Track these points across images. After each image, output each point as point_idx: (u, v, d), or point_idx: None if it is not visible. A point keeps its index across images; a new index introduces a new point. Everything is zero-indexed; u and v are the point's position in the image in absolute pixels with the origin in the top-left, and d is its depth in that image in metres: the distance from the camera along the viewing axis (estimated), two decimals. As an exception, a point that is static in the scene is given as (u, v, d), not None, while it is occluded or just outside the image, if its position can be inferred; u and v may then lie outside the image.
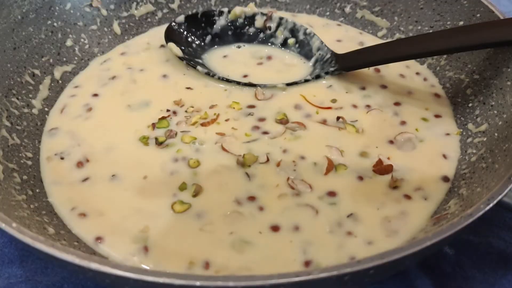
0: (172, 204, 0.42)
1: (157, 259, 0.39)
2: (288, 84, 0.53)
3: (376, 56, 0.52)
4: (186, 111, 0.51)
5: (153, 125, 0.49)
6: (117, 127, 0.50)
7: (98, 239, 0.40)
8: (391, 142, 0.47)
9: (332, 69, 0.54)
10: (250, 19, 0.59)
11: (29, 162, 0.46)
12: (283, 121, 0.49)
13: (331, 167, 0.45)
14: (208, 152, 0.46)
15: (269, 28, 0.58)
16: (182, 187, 0.43)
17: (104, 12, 0.60)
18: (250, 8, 0.59)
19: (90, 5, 0.59)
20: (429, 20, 0.56)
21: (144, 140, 0.48)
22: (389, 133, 0.48)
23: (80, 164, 0.46)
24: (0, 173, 0.42)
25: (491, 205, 0.34)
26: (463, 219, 0.33)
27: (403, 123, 0.49)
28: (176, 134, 0.48)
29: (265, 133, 0.48)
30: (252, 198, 0.42)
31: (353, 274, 0.30)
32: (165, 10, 0.63)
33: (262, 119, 0.49)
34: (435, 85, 0.54)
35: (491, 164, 0.42)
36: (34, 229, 0.37)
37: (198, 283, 0.29)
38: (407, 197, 0.43)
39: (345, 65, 0.54)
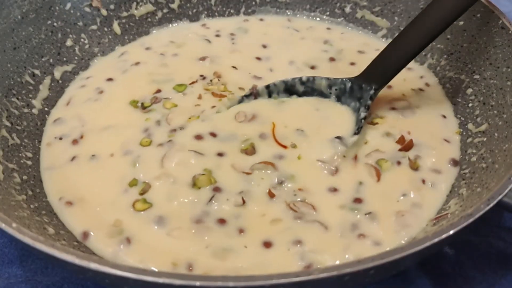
0: (134, 202, 0.42)
1: (140, 255, 0.39)
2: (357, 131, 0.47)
3: (401, 50, 0.47)
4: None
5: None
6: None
7: (85, 233, 0.40)
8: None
9: (370, 90, 0.48)
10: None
11: (29, 162, 0.46)
12: (248, 151, 0.45)
13: None
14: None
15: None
16: (132, 183, 0.43)
17: (104, 12, 0.60)
18: (229, 100, 0.50)
19: (90, 5, 0.59)
20: (429, 20, 0.56)
21: (134, 103, 0.51)
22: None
23: (75, 142, 0.48)
24: (0, 173, 0.42)
25: (491, 205, 0.34)
26: (463, 219, 0.33)
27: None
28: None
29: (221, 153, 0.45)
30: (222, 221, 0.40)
31: (353, 274, 0.30)
32: (165, 10, 0.63)
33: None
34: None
35: (491, 164, 0.42)
36: (34, 229, 0.37)
37: (198, 283, 0.29)
38: (423, 181, 0.43)
39: (379, 79, 0.48)
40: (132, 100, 0.51)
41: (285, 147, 0.45)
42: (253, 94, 0.50)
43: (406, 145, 0.46)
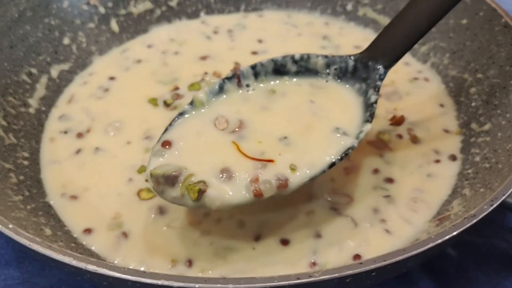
0: (139, 191, 0.43)
1: (138, 252, 0.39)
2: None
3: (413, 23, 0.41)
4: None
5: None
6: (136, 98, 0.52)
7: (86, 229, 0.41)
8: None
9: (379, 68, 0.41)
10: (220, 91, 0.42)
11: (26, 162, 0.46)
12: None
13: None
14: None
15: (247, 85, 0.42)
16: (141, 169, 0.44)
17: (101, 10, 0.59)
18: (206, 84, 0.42)
19: (88, 3, 0.58)
20: (431, 18, 0.56)
21: (153, 101, 0.51)
22: None
23: (80, 135, 0.49)
24: (-4, 173, 0.41)
25: (494, 205, 0.33)
26: (466, 220, 0.32)
27: None
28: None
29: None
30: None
31: (355, 276, 0.29)
32: (163, 8, 0.62)
33: None
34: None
35: (494, 164, 0.41)
36: (31, 230, 0.36)
37: (197, 286, 0.29)
38: (437, 161, 0.45)
39: (389, 55, 0.41)
40: (151, 98, 0.52)
41: (270, 161, 0.37)
42: (236, 76, 0.42)
43: (397, 120, 0.48)
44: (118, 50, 0.59)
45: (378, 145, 0.46)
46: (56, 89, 0.54)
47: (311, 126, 0.39)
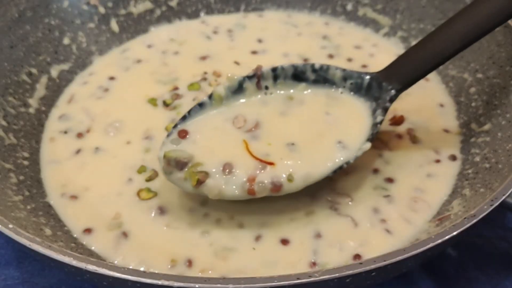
0: (139, 191, 0.43)
1: (138, 252, 0.39)
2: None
3: (430, 52, 0.41)
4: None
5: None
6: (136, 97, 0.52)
7: (86, 229, 0.41)
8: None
9: (391, 90, 0.42)
10: (238, 90, 0.43)
11: (26, 162, 0.46)
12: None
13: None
14: None
15: (266, 87, 0.44)
16: (141, 169, 0.45)
17: (101, 10, 0.59)
18: (229, 80, 0.43)
19: (88, 3, 0.58)
20: (431, 18, 0.56)
21: (153, 101, 0.51)
22: None
23: (80, 135, 0.49)
24: (-4, 173, 0.41)
25: (494, 205, 0.33)
26: (466, 220, 0.32)
27: None
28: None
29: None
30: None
31: (355, 276, 0.29)
32: (163, 8, 0.62)
33: None
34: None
35: (494, 164, 0.41)
36: (30, 230, 0.36)
37: (197, 286, 0.29)
38: (437, 161, 0.45)
39: (403, 79, 0.42)
40: (150, 98, 0.52)
41: (271, 163, 0.39)
42: (257, 76, 0.43)
43: (397, 120, 0.48)
44: (118, 50, 0.59)
45: (378, 145, 0.46)
46: (56, 89, 0.54)
47: (320, 137, 0.41)
